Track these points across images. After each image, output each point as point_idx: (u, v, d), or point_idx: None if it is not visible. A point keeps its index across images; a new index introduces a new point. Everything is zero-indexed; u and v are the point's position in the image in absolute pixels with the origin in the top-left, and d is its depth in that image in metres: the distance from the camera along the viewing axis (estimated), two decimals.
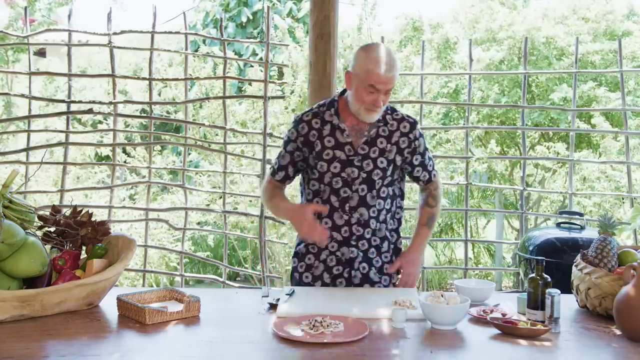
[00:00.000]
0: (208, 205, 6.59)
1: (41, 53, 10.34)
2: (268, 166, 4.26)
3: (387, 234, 2.46)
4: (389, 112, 2.43)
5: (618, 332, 1.89)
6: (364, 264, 2.41)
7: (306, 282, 2.44)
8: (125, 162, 6.78)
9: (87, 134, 4.96)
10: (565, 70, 7.38)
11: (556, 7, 8.48)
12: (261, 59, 5.87)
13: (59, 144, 4.40)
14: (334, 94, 3.87)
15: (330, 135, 2.37)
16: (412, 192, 5.29)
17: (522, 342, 1.81)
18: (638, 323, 1.80)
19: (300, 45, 7.35)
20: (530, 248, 3.54)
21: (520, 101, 4.42)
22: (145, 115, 4.89)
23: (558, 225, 3.67)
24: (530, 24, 7.99)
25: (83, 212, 2.25)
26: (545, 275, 1.98)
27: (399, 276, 2.48)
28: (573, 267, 2.15)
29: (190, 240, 7.14)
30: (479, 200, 7.62)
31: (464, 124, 4.33)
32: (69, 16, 4.34)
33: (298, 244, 2.50)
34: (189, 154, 7.82)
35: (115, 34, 4.28)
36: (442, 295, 1.97)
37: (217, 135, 6.52)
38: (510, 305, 2.16)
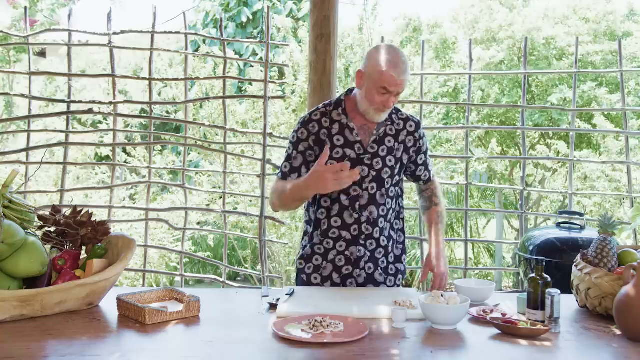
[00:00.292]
0: (208, 205, 6.60)
1: (42, 53, 10.34)
2: (269, 168, 4.26)
3: (393, 233, 2.48)
4: (394, 111, 2.45)
5: (618, 332, 1.89)
6: (370, 264, 2.41)
7: (315, 283, 2.43)
8: (125, 162, 6.79)
9: (87, 134, 4.96)
10: (565, 70, 7.39)
11: (556, 7, 8.48)
12: (261, 59, 5.87)
13: (59, 144, 4.40)
14: (334, 93, 3.88)
15: (340, 134, 2.37)
16: (412, 191, 5.29)
17: (522, 342, 1.81)
18: (638, 323, 1.80)
19: (301, 45, 7.35)
20: (530, 248, 3.54)
21: (520, 101, 4.43)
22: (145, 115, 4.89)
23: (558, 225, 3.67)
24: (530, 24, 7.99)
25: (83, 212, 2.25)
26: (545, 275, 1.98)
27: (429, 278, 2.43)
28: (573, 267, 2.15)
29: (190, 240, 7.14)
30: (479, 200, 7.63)
31: (464, 124, 4.33)
32: (69, 16, 4.34)
33: (305, 246, 2.48)
34: (189, 154, 7.83)
35: (115, 34, 4.28)
36: (442, 295, 1.97)
37: (217, 135, 6.52)
38: (510, 305, 2.16)
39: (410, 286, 2.58)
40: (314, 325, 1.83)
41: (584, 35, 7.73)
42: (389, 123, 2.42)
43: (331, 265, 2.41)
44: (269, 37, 4.27)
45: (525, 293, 2.03)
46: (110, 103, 4.38)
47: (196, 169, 7.23)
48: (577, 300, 2.16)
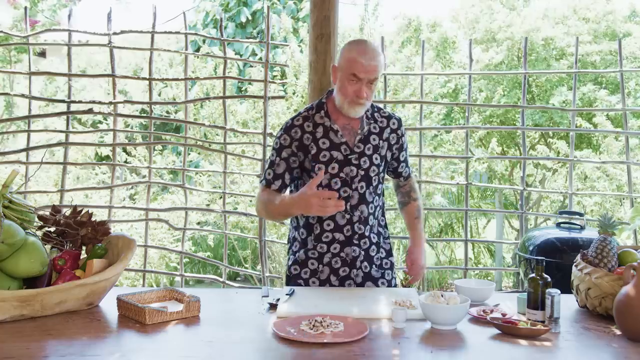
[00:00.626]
0: (208, 205, 6.59)
1: (42, 53, 10.34)
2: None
3: (381, 229, 2.51)
4: (376, 109, 2.47)
5: (618, 332, 1.89)
6: (366, 263, 2.42)
7: (313, 287, 2.42)
8: (125, 162, 6.79)
9: (87, 134, 4.96)
10: (565, 70, 7.38)
11: (556, 7, 8.47)
12: (261, 59, 5.87)
13: (59, 144, 4.40)
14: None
15: (325, 137, 2.37)
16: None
17: (522, 342, 1.81)
18: (638, 323, 1.80)
19: (301, 45, 7.35)
20: (530, 248, 3.54)
21: (520, 101, 4.43)
22: (145, 115, 4.89)
23: (558, 225, 3.67)
24: (530, 24, 7.99)
25: (83, 212, 2.25)
26: (545, 275, 1.98)
27: (405, 270, 2.52)
28: (573, 267, 2.15)
29: (191, 240, 7.14)
30: (479, 200, 7.63)
31: (464, 124, 4.33)
32: (69, 16, 4.34)
33: (296, 252, 2.46)
34: (189, 154, 7.82)
35: (115, 34, 4.28)
36: (442, 295, 1.97)
37: (217, 135, 6.53)
38: (510, 305, 2.16)
39: (410, 286, 2.58)
40: (314, 325, 1.83)
41: (583, 35, 7.72)
42: (372, 121, 2.43)
43: (328, 268, 2.41)
44: (269, 37, 4.28)
45: (525, 293, 2.03)
46: (110, 103, 4.38)
47: (196, 169, 7.23)
48: (577, 300, 2.16)
